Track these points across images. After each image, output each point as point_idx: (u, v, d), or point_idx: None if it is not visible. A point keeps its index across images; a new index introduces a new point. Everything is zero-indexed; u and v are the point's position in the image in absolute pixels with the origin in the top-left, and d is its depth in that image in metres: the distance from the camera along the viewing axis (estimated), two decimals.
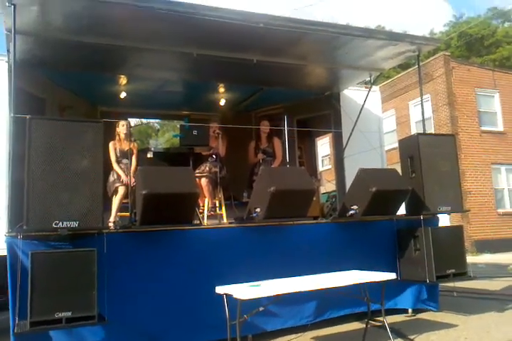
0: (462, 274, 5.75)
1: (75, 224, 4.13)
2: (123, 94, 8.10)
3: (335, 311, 5.62)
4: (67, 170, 4.19)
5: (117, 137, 6.57)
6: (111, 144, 6.45)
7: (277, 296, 4.02)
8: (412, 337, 4.93)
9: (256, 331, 5.06)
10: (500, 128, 18.39)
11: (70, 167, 4.21)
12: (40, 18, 5.07)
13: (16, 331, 3.97)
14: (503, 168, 18.04)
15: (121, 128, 6.54)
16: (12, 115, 4.60)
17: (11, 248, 4.23)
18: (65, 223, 4.09)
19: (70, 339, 4.35)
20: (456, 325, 5.33)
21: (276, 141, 7.62)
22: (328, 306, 5.55)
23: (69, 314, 3.96)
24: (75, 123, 4.42)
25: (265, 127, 7.67)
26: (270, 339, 5.13)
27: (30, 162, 4.09)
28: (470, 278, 6.04)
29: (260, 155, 7.50)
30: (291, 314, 5.36)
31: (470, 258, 7.14)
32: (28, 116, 4.18)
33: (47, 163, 4.14)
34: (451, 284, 6.13)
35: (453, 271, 5.62)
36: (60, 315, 3.93)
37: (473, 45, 33.77)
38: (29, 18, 5.00)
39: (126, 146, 6.41)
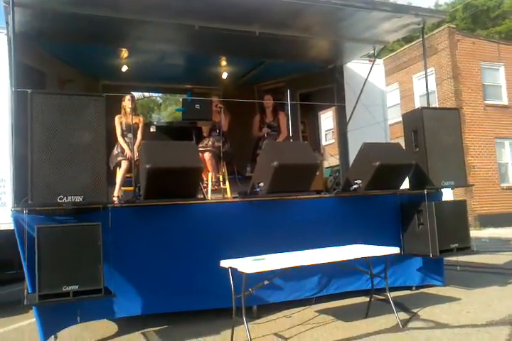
0: (465, 248, 5.77)
1: (79, 199, 4.13)
2: (124, 68, 8.01)
3: (340, 287, 5.66)
4: (70, 144, 4.16)
5: (123, 111, 6.60)
6: (117, 118, 6.52)
7: (282, 270, 4.05)
8: (415, 310, 4.97)
9: (259, 302, 5.12)
10: (504, 101, 18.23)
11: (73, 141, 4.17)
12: None
13: (25, 303, 4.04)
14: (506, 142, 17.96)
15: (127, 102, 6.60)
16: (13, 89, 4.55)
17: (17, 222, 4.25)
18: (69, 198, 4.09)
19: (77, 311, 4.40)
20: (459, 299, 5.37)
21: (282, 116, 7.56)
22: (332, 281, 5.60)
23: (76, 287, 4.01)
24: (77, 97, 4.34)
25: (268, 101, 7.60)
26: (276, 311, 5.19)
27: (33, 137, 4.05)
28: (473, 253, 6.07)
29: (265, 130, 7.44)
30: (295, 287, 5.41)
31: (473, 233, 7.17)
32: (29, 91, 4.13)
33: (50, 137, 4.10)
34: (454, 258, 6.16)
35: (456, 245, 5.64)
36: (67, 288, 3.98)
37: (478, 17, 33.15)
38: None
39: (131, 120, 6.40)
